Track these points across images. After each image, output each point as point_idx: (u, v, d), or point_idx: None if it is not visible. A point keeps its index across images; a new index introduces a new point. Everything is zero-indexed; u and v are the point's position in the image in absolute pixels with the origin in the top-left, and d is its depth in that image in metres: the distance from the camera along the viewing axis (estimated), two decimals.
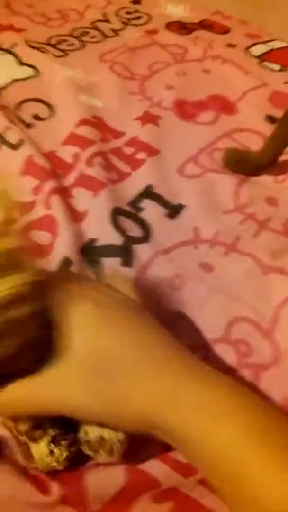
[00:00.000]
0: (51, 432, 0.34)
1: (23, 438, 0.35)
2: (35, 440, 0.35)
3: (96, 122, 0.68)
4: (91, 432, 0.34)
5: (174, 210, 0.58)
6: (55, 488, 0.37)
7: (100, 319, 0.26)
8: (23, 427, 0.35)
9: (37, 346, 0.26)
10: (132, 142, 0.66)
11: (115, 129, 0.68)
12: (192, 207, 0.59)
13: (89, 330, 0.25)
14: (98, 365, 0.25)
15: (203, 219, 0.58)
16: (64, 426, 0.35)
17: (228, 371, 0.45)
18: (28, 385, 0.26)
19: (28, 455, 0.36)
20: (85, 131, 0.65)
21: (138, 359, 0.26)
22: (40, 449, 0.35)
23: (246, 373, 0.45)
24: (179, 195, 0.60)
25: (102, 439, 0.33)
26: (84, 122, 0.66)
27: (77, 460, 0.37)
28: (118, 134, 0.67)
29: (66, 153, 0.63)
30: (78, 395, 0.26)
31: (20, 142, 0.63)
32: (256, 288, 0.51)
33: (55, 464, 0.35)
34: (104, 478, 0.38)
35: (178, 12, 0.97)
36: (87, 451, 0.35)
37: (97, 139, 0.64)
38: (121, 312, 0.27)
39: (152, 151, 0.65)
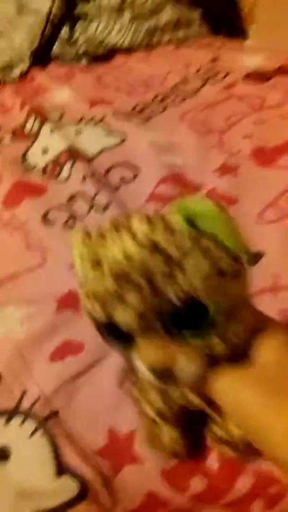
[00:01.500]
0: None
1: (159, 419, 0.40)
2: (171, 424, 0.40)
3: (176, 178, 0.72)
4: (236, 433, 0.38)
5: (252, 258, 0.59)
6: None
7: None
8: (166, 411, 0.39)
9: (250, 338, 0.31)
10: (211, 193, 0.69)
11: (194, 182, 0.72)
12: (271, 254, 0.59)
13: (279, 355, 0.30)
14: (282, 384, 0.29)
15: (283, 265, 0.58)
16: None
17: None
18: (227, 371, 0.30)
19: (155, 437, 0.42)
20: (165, 188, 0.70)
21: None
22: (171, 433, 0.41)
23: None
24: (257, 243, 0.60)
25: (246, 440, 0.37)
26: (164, 180, 0.72)
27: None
28: (197, 187, 0.71)
29: (149, 211, 0.68)
30: (254, 397, 0.29)
31: (108, 205, 0.70)
32: None
33: (178, 448, 0.41)
34: None
35: (255, 61, 1.01)
36: (221, 447, 0.40)
37: (176, 195, 0.69)
38: None
39: (231, 201, 0.67)
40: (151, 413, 0.40)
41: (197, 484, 0.43)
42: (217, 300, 0.28)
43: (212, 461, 0.43)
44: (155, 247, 0.27)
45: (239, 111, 0.86)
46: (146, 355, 0.29)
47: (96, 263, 0.29)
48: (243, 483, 0.42)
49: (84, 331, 0.55)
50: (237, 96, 0.90)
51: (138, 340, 0.29)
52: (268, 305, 0.54)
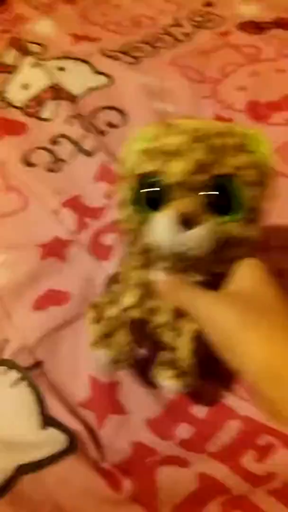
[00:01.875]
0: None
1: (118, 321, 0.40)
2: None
3: None
4: (185, 357, 0.38)
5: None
6: (127, 484, 0.38)
7: (268, 282, 0.33)
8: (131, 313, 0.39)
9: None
10: None
11: None
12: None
13: (259, 282, 0.33)
14: (257, 304, 0.31)
15: (276, 226, 0.57)
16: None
17: None
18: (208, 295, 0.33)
19: (106, 338, 0.40)
20: None
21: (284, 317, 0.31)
22: (125, 337, 0.39)
23: None
24: None
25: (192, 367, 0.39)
26: None
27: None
28: None
29: None
30: (229, 313, 0.31)
31: (95, 149, 0.66)
32: None
33: (124, 353, 0.39)
34: (176, 480, 0.38)
35: (251, 11, 0.96)
36: (166, 370, 0.39)
37: None
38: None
39: None
40: (116, 311, 0.40)
41: (183, 432, 0.42)
42: (244, 196, 0.32)
43: (199, 408, 0.43)
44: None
45: (234, 61, 0.82)
46: (177, 205, 0.32)
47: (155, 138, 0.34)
48: (230, 429, 0.42)
49: (69, 280, 0.53)
50: (232, 45, 0.86)
51: (171, 197, 0.32)
52: None
